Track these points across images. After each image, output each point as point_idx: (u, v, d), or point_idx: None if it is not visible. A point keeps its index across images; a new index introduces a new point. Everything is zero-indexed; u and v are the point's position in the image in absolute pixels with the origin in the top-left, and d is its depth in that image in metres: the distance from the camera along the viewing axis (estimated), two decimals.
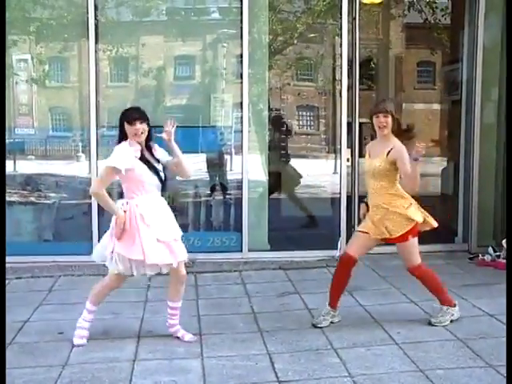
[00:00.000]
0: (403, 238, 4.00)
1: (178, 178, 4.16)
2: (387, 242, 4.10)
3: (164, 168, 3.77)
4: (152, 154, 3.74)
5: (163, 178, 3.74)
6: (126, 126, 3.63)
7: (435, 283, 4.19)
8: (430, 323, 4.10)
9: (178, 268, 3.76)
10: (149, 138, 3.72)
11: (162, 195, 3.81)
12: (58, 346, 3.78)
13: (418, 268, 4.11)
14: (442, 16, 7.57)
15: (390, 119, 3.91)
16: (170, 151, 3.76)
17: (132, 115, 3.64)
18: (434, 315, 4.16)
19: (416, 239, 4.06)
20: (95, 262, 3.93)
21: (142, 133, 3.63)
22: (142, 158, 3.66)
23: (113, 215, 3.66)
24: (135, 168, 3.62)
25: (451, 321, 4.12)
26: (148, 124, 3.67)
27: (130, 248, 3.62)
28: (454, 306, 4.18)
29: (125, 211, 3.62)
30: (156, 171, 3.70)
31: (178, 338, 3.87)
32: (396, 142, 3.93)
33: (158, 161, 3.75)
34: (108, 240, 3.73)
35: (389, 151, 3.90)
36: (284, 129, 7.56)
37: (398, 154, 3.87)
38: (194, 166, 4.62)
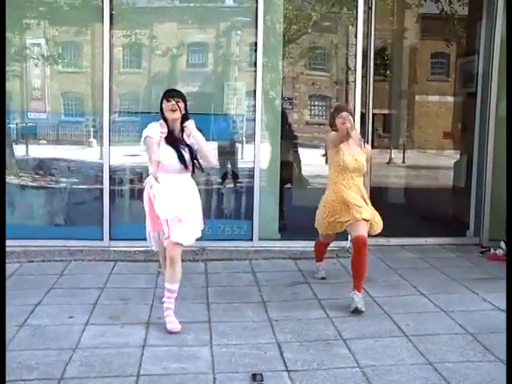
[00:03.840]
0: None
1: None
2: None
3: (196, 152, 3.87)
4: (182, 137, 3.82)
5: (187, 162, 3.80)
6: (164, 102, 3.79)
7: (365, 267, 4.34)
8: (356, 310, 4.13)
9: (170, 247, 3.80)
10: (184, 121, 3.80)
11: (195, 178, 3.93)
12: (68, 330, 3.80)
13: (366, 240, 4.32)
14: (460, 6, 7.48)
15: (351, 118, 4.38)
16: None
17: (170, 93, 3.83)
18: (357, 302, 4.18)
19: None
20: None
21: (177, 109, 3.75)
22: (168, 140, 3.76)
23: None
24: (158, 146, 3.71)
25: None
26: (185, 106, 3.82)
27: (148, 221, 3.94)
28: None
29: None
30: (180, 154, 3.76)
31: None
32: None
33: (188, 145, 3.82)
34: None
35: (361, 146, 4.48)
36: (297, 117, 7.51)
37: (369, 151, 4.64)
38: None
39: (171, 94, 3.83)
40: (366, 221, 4.34)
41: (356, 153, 4.46)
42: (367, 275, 4.37)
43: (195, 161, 3.88)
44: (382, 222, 4.50)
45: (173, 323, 3.82)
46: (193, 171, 3.91)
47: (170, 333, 3.76)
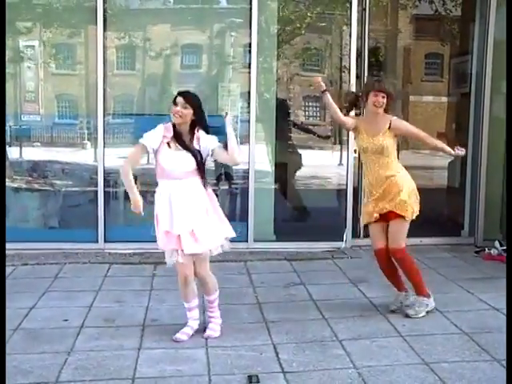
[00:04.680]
0: (404, 214, 4.03)
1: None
2: (384, 217, 4.08)
3: (210, 156, 3.73)
4: (191, 141, 3.68)
5: (197, 166, 3.66)
6: (173, 105, 3.65)
7: (414, 270, 4.19)
8: (407, 315, 4.09)
9: (195, 264, 3.73)
10: (194, 125, 3.68)
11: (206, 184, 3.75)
12: (63, 333, 3.79)
13: (402, 250, 4.12)
14: (453, 7, 7.50)
15: (385, 100, 4.03)
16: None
17: (178, 96, 3.67)
18: (410, 307, 4.13)
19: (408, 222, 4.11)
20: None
21: (180, 116, 3.61)
22: (175, 144, 3.63)
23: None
24: (160, 153, 3.63)
25: (427, 312, 4.13)
26: (196, 111, 3.64)
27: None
28: (429, 296, 4.19)
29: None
30: (188, 158, 3.63)
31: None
32: (388, 116, 4.08)
33: (198, 150, 3.67)
34: None
35: (389, 126, 4.04)
36: (291, 119, 7.52)
37: (401, 126, 4.10)
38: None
39: (180, 97, 3.64)
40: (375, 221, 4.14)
41: (375, 132, 4.07)
42: (364, 276, 4.36)
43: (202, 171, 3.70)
44: (407, 205, 4.07)
45: (212, 331, 3.79)
46: (202, 177, 3.70)
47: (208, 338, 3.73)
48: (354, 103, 4.28)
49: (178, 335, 3.72)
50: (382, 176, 4.07)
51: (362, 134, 4.15)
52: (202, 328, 3.83)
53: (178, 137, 3.66)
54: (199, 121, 3.69)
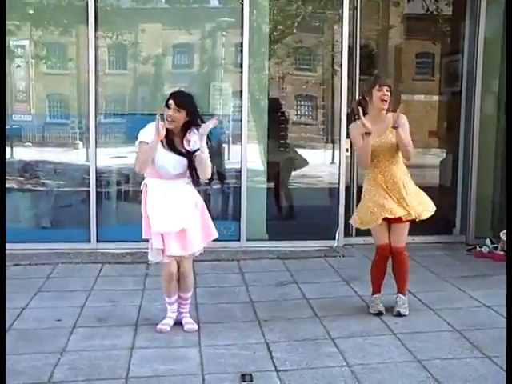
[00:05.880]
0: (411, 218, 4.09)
1: None
2: (392, 220, 4.07)
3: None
4: (183, 143, 3.64)
5: (186, 168, 3.65)
6: (165, 107, 3.59)
7: (408, 271, 4.22)
8: (400, 314, 4.08)
9: (179, 262, 3.78)
10: (187, 126, 3.64)
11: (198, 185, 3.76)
12: (55, 333, 3.78)
13: (404, 250, 4.15)
14: (444, 6, 7.53)
15: (389, 94, 3.99)
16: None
17: (170, 99, 3.59)
18: (401, 306, 4.13)
19: None
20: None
21: (173, 120, 3.56)
22: (166, 145, 3.61)
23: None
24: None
25: None
26: (188, 113, 3.58)
27: (144, 229, 3.72)
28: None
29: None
30: (179, 160, 3.62)
31: (181, 323, 3.88)
32: (389, 114, 4.03)
33: (188, 152, 3.63)
34: None
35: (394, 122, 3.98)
36: (283, 118, 7.52)
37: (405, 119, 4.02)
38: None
39: (172, 100, 3.57)
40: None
41: (381, 132, 4.02)
42: (357, 274, 4.38)
43: (193, 171, 3.69)
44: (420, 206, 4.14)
45: (190, 324, 3.87)
46: (193, 179, 3.71)
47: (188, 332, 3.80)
48: (363, 106, 4.09)
49: (162, 326, 3.80)
50: (396, 172, 4.05)
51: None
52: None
53: (169, 138, 3.63)
54: (193, 122, 3.63)
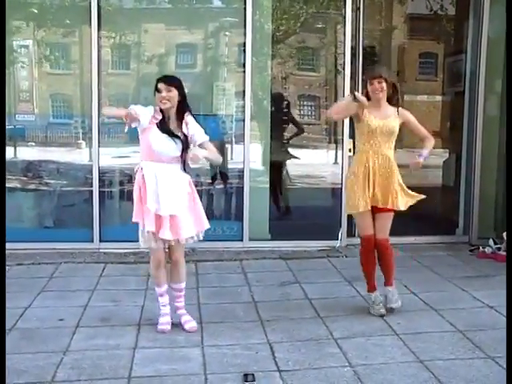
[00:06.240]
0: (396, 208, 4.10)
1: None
2: (377, 209, 4.08)
3: (194, 144, 3.71)
4: (180, 127, 3.69)
5: (183, 152, 3.67)
6: (156, 93, 3.65)
7: (394, 262, 4.22)
8: (392, 309, 4.11)
9: (170, 249, 3.79)
10: (181, 109, 3.69)
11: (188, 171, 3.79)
12: (58, 333, 3.78)
13: (388, 241, 4.15)
14: (447, 6, 7.52)
15: (384, 84, 3.99)
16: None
17: (160, 82, 3.66)
18: (393, 299, 4.15)
19: None
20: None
21: (168, 100, 3.62)
22: (161, 127, 3.64)
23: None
24: (149, 132, 3.64)
25: None
26: (179, 91, 3.65)
27: (135, 212, 3.70)
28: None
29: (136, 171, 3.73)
30: (175, 143, 3.64)
31: (180, 323, 3.87)
32: (393, 106, 4.10)
33: (186, 135, 3.68)
34: None
35: (397, 113, 4.08)
36: (286, 118, 7.51)
37: (409, 116, 4.14)
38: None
39: (161, 83, 3.64)
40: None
41: (384, 117, 4.06)
42: (359, 274, 4.37)
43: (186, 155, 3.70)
44: (402, 198, 4.12)
45: (191, 322, 3.87)
46: (184, 163, 3.74)
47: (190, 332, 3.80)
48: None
49: (162, 327, 3.80)
50: (389, 158, 4.08)
51: (369, 116, 4.05)
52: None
53: (165, 122, 3.66)
54: (185, 100, 3.69)
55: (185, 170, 3.76)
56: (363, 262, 4.26)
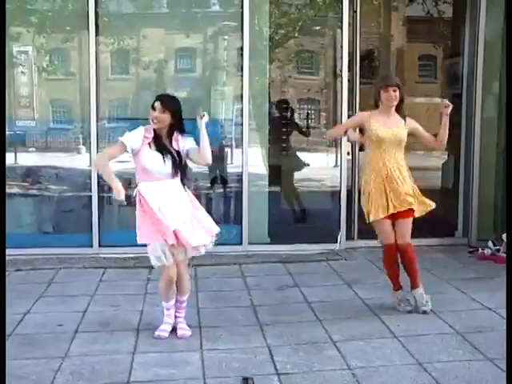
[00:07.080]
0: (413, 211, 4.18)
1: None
2: (396, 216, 4.15)
3: (186, 156, 3.77)
4: (170, 143, 3.73)
5: (177, 167, 3.71)
6: (151, 110, 3.69)
7: (417, 265, 4.27)
8: (425, 312, 4.14)
9: (177, 263, 3.78)
10: (172, 128, 3.71)
11: (185, 184, 3.82)
12: (57, 338, 3.78)
13: (410, 245, 4.21)
14: (446, 7, 7.53)
15: (398, 93, 4.12)
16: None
17: (156, 101, 3.69)
18: (422, 302, 4.17)
19: None
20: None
21: (159, 121, 3.65)
22: (154, 144, 3.67)
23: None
24: (141, 153, 3.67)
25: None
26: (173, 116, 3.67)
27: (141, 234, 3.72)
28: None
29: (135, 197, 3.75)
30: (169, 159, 3.68)
31: (175, 328, 3.87)
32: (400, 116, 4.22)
33: (178, 151, 3.73)
34: None
35: (404, 121, 4.19)
36: (284, 121, 7.52)
37: (416, 124, 4.26)
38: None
39: (158, 101, 3.67)
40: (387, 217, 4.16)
41: (392, 125, 4.15)
42: (359, 277, 4.39)
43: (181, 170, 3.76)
44: (424, 200, 4.27)
45: (184, 330, 3.87)
46: (182, 178, 3.79)
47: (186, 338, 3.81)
48: (376, 100, 4.26)
49: (160, 333, 3.80)
50: (400, 164, 4.16)
51: (377, 125, 4.13)
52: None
53: (157, 139, 3.70)
54: (177, 125, 3.73)
55: (183, 182, 3.79)
56: (386, 268, 4.36)
